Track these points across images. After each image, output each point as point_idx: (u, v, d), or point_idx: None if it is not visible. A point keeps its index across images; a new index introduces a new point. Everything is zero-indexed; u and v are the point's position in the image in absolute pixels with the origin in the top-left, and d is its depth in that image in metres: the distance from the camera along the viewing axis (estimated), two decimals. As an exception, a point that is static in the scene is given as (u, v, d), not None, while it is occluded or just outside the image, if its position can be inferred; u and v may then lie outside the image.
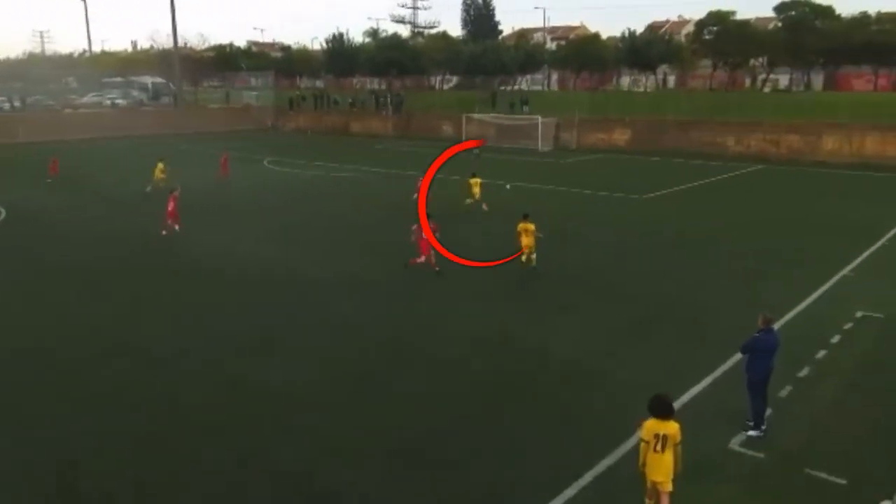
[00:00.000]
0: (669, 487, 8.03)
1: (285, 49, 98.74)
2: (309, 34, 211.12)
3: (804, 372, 12.25)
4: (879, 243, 21.63)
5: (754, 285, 17.46)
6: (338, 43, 79.64)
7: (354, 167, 40.15)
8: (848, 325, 14.51)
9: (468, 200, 26.17)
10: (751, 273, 18.62)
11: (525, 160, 44.53)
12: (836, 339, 13.80)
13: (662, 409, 7.99)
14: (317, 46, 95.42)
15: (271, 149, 50.68)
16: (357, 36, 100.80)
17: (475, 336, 14.03)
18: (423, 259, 17.85)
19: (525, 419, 10.78)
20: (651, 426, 7.99)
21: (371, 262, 19.41)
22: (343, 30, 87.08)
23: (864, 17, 58.90)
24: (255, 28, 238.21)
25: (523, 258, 18.06)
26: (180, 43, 73.57)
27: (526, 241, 17.99)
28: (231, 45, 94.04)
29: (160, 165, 30.54)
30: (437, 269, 17.89)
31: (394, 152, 50.50)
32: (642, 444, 8.09)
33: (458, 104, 60.80)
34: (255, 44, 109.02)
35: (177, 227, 22.37)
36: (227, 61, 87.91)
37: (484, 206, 25.83)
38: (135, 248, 20.96)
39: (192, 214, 24.49)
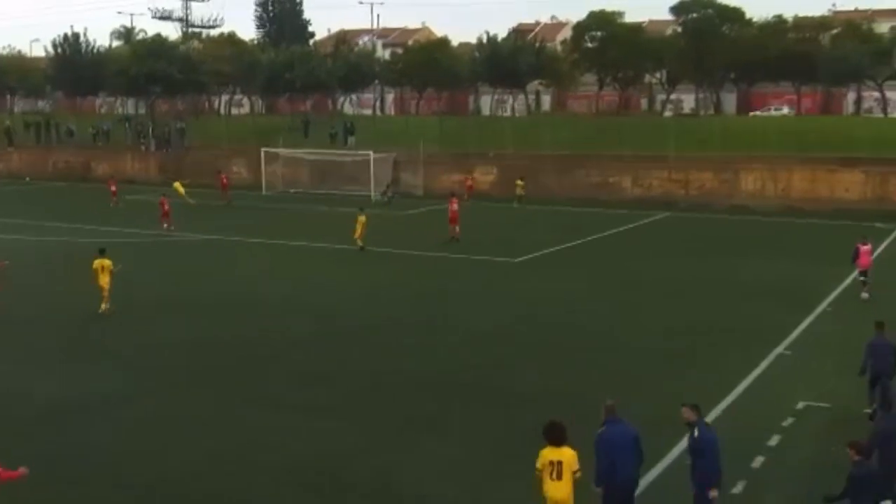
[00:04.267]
0: None
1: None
2: (27, 34, 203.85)
3: (738, 488, 12.78)
4: (818, 310, 23.54)
5: (668, 374, 18.27)
6: (72, 47, 77.45)
7: (96, 228, 38.49)
8: (788, 421, 15.46)
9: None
10: (663, 357, 19.52)
11: (350, 213, 44.62)
12: (774, 440, 14.61)
13: (554, 436, 10.31)
14: (39, 52, 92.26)
15: (-34, 204, 48.06)
16: (102, 38, 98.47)
17: (293, 470, 13.63)
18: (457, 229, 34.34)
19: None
20: (545, 454, 10.32)
21: (126, 375, 18.75)
22: (79, 28, 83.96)
23: (780, 22, 65.74)
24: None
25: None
26: None
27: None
28: None
29: (177, 183, 46.06)
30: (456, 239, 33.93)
31: (157, 206, 48.88)
32: (538, 476, 10.32)
33: (254, 135, 60.58)
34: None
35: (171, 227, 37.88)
36: None
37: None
38: None
39: None
